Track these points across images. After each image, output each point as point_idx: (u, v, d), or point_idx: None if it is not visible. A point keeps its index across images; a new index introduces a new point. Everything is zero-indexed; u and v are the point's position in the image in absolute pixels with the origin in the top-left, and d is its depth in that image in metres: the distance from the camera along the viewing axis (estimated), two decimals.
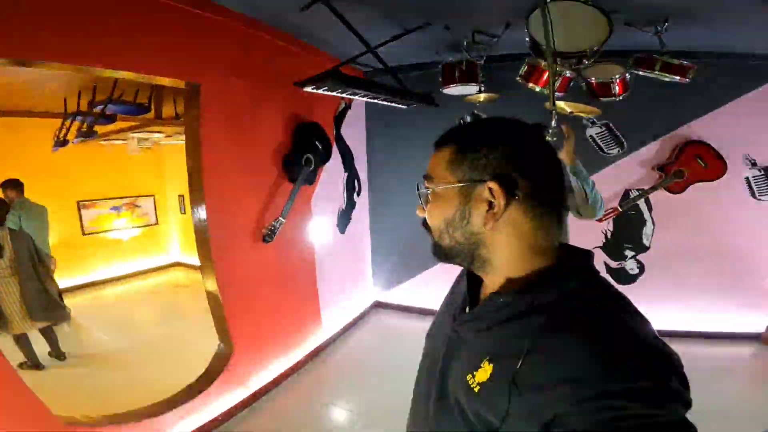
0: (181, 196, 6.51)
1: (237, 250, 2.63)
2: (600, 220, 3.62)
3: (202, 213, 2.40)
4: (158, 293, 5.81)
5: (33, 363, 3.29)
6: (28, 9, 1.59)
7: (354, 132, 4.10)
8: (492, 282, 0.68)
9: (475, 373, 0.61)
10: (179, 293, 5.74)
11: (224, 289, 2.50)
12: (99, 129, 4.11)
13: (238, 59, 2.57)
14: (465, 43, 2.87)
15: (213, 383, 2.56)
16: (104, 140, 4.74)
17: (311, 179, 3.23)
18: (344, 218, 3.99)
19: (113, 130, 4.45)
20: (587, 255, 0.66)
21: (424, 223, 0.71)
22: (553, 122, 1.92)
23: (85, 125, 3.99)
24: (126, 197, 6.11)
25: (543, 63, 2.43)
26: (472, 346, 0.66)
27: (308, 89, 2.43)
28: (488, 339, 0.64)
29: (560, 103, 2.54)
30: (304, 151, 3.13)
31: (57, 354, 3.44)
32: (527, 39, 2.27)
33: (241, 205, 2.68)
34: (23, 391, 1.78)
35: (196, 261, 6.51)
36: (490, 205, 0.61)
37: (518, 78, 2.62)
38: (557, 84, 2.60)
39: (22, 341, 3.25)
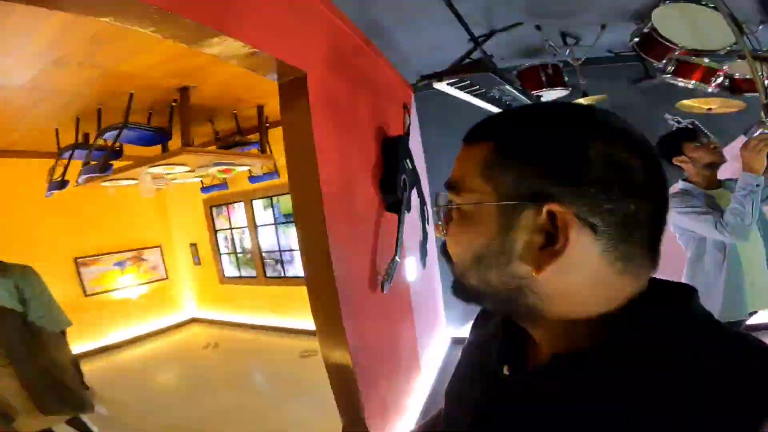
0: (193, 245, 5.71)
1: (362, 306, 1.98)
2: None
3: (322, 259, 1.74)
4: (184, 355, 4.97)
5: None
6: None
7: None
8: (541, 336, 0.43)
9: None
10: (210, 355, 4.87)
11: (356, 357, 1.83)
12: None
13: (332, 53, 1.98)
14: (547, 46, 2.65)
15: None
16: (106, 181, 3.87)
17: (409, 206, 2.65)
18: (423, 251, 3.39)
19: (122, 166, 3.64)
20: (688, 293, 0.39)
21: (444, 248, 0.45)
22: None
23: (90, 160, 3.23)
24: (129, 250, 5.28)
25: (693, 58, 2.17)
26: (518, 429, 0.41)
27: (441, 86, 1.92)
28: (544, 427, 0.38)
29: (689, 102, 2.41)
30: (397, 171, 2.55)
31: None
32: (637, 37, 2.12)
33: (358, 245, 2.05)
34: None
35: (215, 316, 5.79)
36: (549, 238, 0.36)
37: (665, 75, 2.28)
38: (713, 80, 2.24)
39: None
